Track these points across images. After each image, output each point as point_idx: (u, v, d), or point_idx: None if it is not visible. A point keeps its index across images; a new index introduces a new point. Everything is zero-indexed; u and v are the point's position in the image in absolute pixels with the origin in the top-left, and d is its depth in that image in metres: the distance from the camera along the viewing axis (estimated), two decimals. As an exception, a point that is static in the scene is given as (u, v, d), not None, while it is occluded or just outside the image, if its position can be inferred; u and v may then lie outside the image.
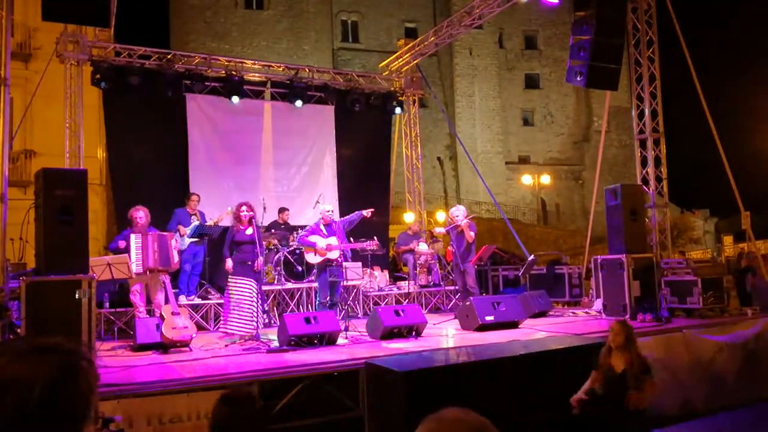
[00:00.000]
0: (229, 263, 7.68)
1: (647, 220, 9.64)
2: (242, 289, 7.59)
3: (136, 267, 7.64)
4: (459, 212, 9.77)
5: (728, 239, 29.80)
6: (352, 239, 9.46)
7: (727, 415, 7.18)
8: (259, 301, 7.66)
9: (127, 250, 7.72)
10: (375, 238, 9.46)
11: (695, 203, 36.66)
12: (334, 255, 8.46)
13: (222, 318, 8.02)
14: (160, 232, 8.08)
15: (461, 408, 1.25)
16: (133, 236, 7.71)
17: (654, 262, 8.89)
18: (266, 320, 8.47)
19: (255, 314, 7.47)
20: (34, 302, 5.94)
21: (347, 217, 9.36)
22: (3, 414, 1.02)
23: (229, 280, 7.72)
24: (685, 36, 10.16)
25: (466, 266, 9.53)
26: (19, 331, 5.99)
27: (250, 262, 7.68)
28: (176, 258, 7.96)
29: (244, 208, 7.83)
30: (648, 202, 9.76)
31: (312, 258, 8.57)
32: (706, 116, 10.13)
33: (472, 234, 9.52)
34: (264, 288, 9.39)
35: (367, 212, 9.12)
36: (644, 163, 10.08)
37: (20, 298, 5.97)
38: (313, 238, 8.52)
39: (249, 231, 7.79)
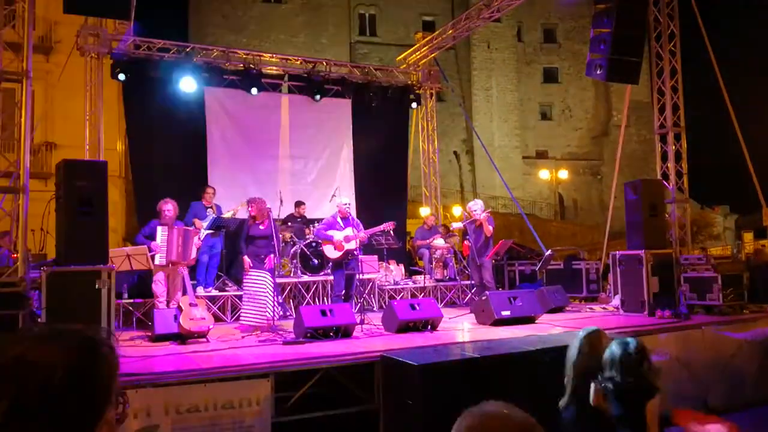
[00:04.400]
0: (246, 260, 7.78)
1: (667, 216, 9.53)
2: (256, 281, 7.71)
3: (159, 258, 7.72)
4: (477, 206, 9.73)
5: (748, 236, 29.37)
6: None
7: (747, 413, 7.10)
8: (273, 292, 7.72)
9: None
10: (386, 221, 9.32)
11: (716, 199, 36.15)
12: (352, 246, 8.42)
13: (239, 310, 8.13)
14: (186, 226, 8.17)
15: (504, 403, 1.21)
16: (160, 228, 7.79)
17: (673, 258, 8.80)
18: (281, 312, 8.49)
19: (268, 305, 7.56)
20: (54, 292, 6.02)
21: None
22: (26, 397, 1.03)
23: (247, 273, 7.87)
24: (707, 29, 10.02)
25: (483, 261, 9.49)
26: (39, 320, 6.08)
27: (263, 256, 7.80)
28: (194, 254, 8.05)
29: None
30: (668, 197, 9.64)
31: (331, 253, 8.50)
32: (728, 111, 10.00)
33: (491, 228, 9.48)
34: (280, 281, 9.47)
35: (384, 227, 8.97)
36: (664, 158, 9.96)
37: (41, 288, 6.06)
38: (330, 233, 8.49)
39: (262, 226, 7.91)
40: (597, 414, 4.23)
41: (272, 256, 7.82)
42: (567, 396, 3.85)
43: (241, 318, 7.93)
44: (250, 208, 8.04)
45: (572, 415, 4.12)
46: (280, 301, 8.83)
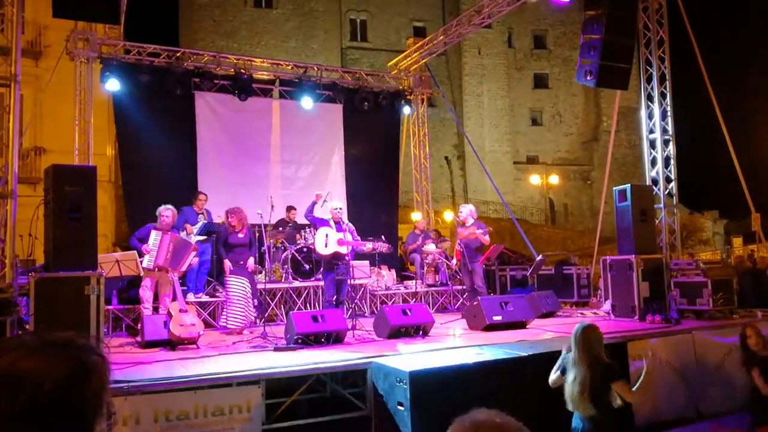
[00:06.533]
0: (227, 264, 8.09)
1: (657, 221, 9.58)
2: (235, 287, 8.01)
3: (147, 261, 7.70)
4: (465, 210, 9.72)
5: (738, 241, 29.58)
6: (359, 238, 9.40)
7: (736, 417, 7.12)
8: (251, 297, 8.10)
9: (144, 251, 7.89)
10: (383, 237, 9.41)
11: (705, 204, 36.40)
12: (344, 250, 8.42)
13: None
14: (185, 239, 8.21)
15: (494, 410, 1.20)
16: (154, 232, 7.84)
17: (663, 263, 8.83)
18: (255, 314, 8.65)
19: (247, 309, 7.98)
20: (42, 298, 5.97)
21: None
22: (14, 410, 1.01)
23: (227, 278, 8.19)
24: (696, 36, 10.09)
25: (474, 266, 9.49)
26: (27, 327, 6.01)
27: (242, 262, 8.16)
28: (185, 267, 8.10)
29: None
30: (657, 202, 9.69)
31: (322, 249, 8.45)
32: (716, 117, 10.07)
33: (487, 238, 9.48)
34: (271, 286, 9.47)
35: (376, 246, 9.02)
36: (654, 163, 10.02)
37: (29, 294, 6.00)
38: (324, 229, 8.44)
39: (241, 234, 8.22)
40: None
41: (251, 259, 8.15)
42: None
43: (220, 321, 8.27)
44: (230, 219, 8.25)
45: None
46: (256, 303, 8.93)
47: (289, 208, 11.05)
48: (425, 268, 11.55)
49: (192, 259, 8.15)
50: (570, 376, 4.30)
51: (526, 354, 5.69)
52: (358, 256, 9.98)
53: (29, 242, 8.29)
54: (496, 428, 1.17)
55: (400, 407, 4.94)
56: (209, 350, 6.64)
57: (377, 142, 13.17)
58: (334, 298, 8.53)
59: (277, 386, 5.27)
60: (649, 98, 10.15)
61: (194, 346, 6.78)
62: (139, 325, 7.38)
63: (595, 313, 9.67)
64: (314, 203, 8.66)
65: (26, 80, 10.27)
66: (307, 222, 10.82)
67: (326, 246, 8.41)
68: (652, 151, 10.10)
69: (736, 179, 10.17)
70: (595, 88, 11.83)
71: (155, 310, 7.86)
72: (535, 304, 9.00)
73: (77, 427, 1.06)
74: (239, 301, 7.99)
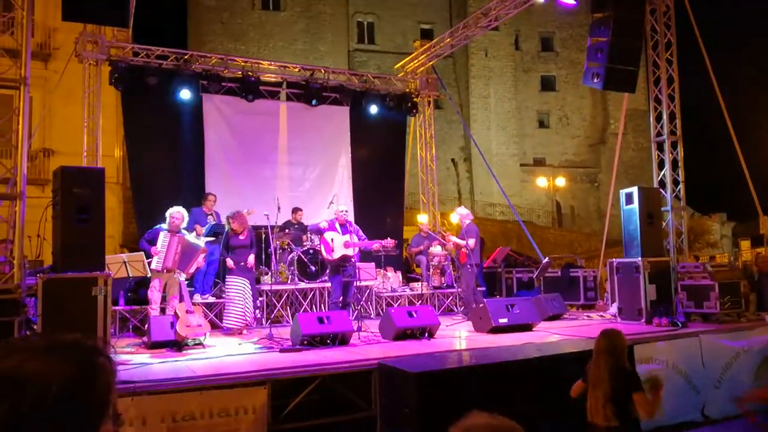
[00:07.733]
0: (230, 263, 8.30)
1: (664, 224, 9.54)
2: (235, 287, 8.19)
3: (156, 263, 7.74)
4: (455, 214, 9.75)
5: (745, 243, 29.38)
6: (365, 237, 9.43)
7: (743, 422, 7.08)
8: (251, 296, 8.32)
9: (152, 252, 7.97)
10: (388, 238, 9.44)
11: (712, 207, 36.15)
12: (350, 252, 8.50)
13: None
14: (194, 241, 8.23)
15: (489, 413, 1.20)
16: (162, 234, 7.89)
17: (670, 266, 8.80)
18: (258, 315, 9.05)
19: (246, 308, 8.19)
20: (50, 299, 6.01)
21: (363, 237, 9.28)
22: (20, 411, 1.02)
23: (226, 279, 8.43)
24: (703, 38, 10.05)
25: (464, 269, 9.48)
26: (35, 327, 6.06)
27: (243, 263, 8.35)
28: (194, 267, 8.17)
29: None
30: (665, 205, 9.66)
31: (329, 255, 8.56)
32: (724, 119, 10.02)
33: (472, 242, 9.45)
34: (277, 288, 9.50)
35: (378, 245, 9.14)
36: (661, 166, 9.98)
37: (37, 295, 6.04)
38: (329, 234, 8.55)
39: (242, 237, 8.40)
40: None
41: (251, 256, 8.39)
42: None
43: (224, 321, 8.41)
44: (232, 223, 8.37)
45: None
46: (258, 304, 9.07)
47: (295, 210, 11.07)
48: (431, 270, 11.55)
49: (200, 261, 8.22)
50: (591, 385, 4.13)
51: (532, 357, 5.69)
52: (365, 257, 10.02)
53: (37, 243, 8.37)
54: (490, 430, 1.17)
55: (405, 409, 4.94)
56: (215, 351, 6.67)
57: (384, 144, 13.19)
58: (340, 300, 8.56)
59: (282, 387, 5.29)
60: (657, 101, 10.11)
61: (200, 346, 6.81)
62: (146, 325, 7.41)
63: (601, 316, 9.64)
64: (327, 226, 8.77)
65: (35, 82, 10.34)
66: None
67: (332, 251, 8.47)
68: (659, 153, 10.06)
69: (744, 182, 10.12)
70: (603, 90, 11.78)
71: (162, 311, 7.89)
72: (542, 307, 8.98)
73: (83, 429, 1.07)
74: (237, 301, 8.17)
